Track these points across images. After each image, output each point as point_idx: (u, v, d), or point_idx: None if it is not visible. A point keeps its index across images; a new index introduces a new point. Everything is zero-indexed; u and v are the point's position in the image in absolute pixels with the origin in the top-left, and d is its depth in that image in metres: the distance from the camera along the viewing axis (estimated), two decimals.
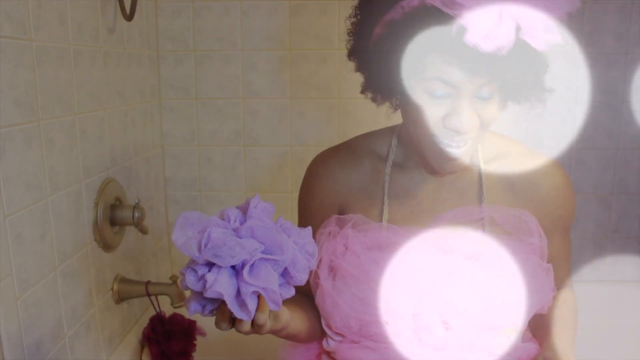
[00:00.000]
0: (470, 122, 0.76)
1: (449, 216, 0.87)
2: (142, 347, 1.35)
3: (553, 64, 1.66)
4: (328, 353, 0.94)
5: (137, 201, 1.25)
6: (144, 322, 1.37)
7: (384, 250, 0.85)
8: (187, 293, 1.00)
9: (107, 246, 1.20)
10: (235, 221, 0.64)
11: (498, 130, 0.93)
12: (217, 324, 0.66)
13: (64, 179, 1.03)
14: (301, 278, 0.64)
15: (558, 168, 0.91)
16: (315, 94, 1.62)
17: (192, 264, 0.63)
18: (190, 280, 0.62)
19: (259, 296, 0.63)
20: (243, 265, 0.61)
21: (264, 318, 0.64)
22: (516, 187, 0.89)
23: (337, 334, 0.89)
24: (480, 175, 0.90)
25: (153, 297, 1.28)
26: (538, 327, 0.93)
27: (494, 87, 0.75)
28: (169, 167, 1.69)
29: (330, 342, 0.91)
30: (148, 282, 1.27)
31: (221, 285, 0.60)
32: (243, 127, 1.65)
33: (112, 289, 1.26)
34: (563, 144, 1.64)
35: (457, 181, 0.90)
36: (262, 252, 0.62)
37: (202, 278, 0.61)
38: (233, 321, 0.66)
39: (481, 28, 0.68)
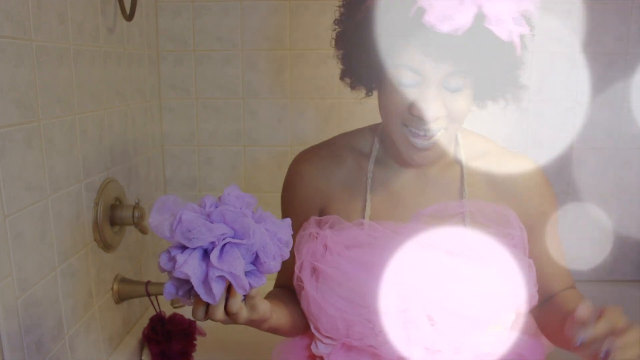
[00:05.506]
0: (435, 110, 0.76)
1: (428, 212, 0.87)
2: (142, 347, 1.35)
3: (553, 64, 1.66)
4: None
5: (137, 201, 1.25)
6: (144, 322, 1.37)
7: (364, 248, 0.85)
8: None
9: (107, 246, 1.20)
10: (210, 207, 0.66)
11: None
12: (193, 313, 0.68)
13: (64, 179, 1.03)
14: (271, 265, 0.65)
15: (534, 165, 0.92)
16: (315, 94, 1.62)
17: (169, 247, 0.66)
18: (162, 260, 0.64)
19: (230, 284, 0.64)
20: (213, 249, 0.63)
21: (236, 305, 0.66)
22: (497, 184, 0.90)
23: (326, 337, 0.89)
24: (462, 172, 0.90)
25: (153, 297, 1.28)
26: (555, 323, 0.90)
27: (464, 79, 0.76)
28: (169, 167, 1.69)
29: (320, 345, 0.91)
30: (148, 282, 1.27)
31: (189, 266, 0.62)
32: (243, 127, 1.65)
33: (112, 289, 1.26)
34: (563, 144, 1.64)
35: (440, 178, 0.91)
36: (232, 237, 0.63)
37: (173, 259, 0.63)
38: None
39: (438, 9, 0.69)
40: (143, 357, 1.34)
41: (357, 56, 0.82)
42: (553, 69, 1.59)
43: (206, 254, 0.63)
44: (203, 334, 1.38)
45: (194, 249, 0.63)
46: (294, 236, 0.90)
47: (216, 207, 0.66)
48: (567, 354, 0.99)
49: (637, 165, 1.66)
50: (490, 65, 0.75)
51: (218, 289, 0.62)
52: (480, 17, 0.70)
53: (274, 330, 0.87)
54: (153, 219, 0.64)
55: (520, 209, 0.89)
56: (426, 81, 0.76)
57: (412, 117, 0.78)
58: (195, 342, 1.36)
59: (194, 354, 1.36)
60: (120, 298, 1.27)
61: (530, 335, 0.94)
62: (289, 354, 0.97)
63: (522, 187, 0.90)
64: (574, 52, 1.58)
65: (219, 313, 0.67)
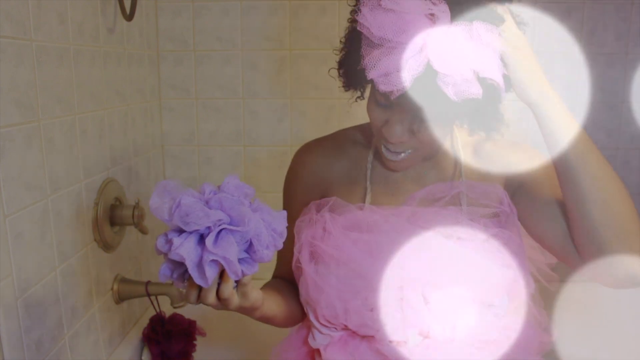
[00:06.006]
0: (399, 136, 0.81)
1: (420, 194, 0.90)
2: (142, 347, 1.35)
3: (553, 64, 1.66)
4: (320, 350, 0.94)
5: (137, 201, 1.25)
6: (144, 322, 1.37)
7: (362, 230, 0.87)
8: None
9: (107, 246, 1.20)
10: (209, 193, 0.68)
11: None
12: (186, 296, 0.70)
13: (64, 179, 1.03)
14: (264, 254, 0.67)
15: (522, 143, 0.95)
16: (315, 94, 1.62)
17: (166, 231, 0.68)
18: (159, 242, 0.66)
19: (223, 270, 0.66)
20: (209, 234, 0.64)
21: (227, 291, 0.69)
22: (487, 162, 0.93)
23: (324, 325, 0.90)
24: (458, 159, 0.93)
25: (153, 297, 1.28)
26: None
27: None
28: (169, 167, 1.69)
29: (317, 335, 0.91)
30: (148, 282, 1.27)
31: (184, 249, 0.63)
32: (243, 127, 1.65)
33: (112, 289, 1.26)
34: None
35: (437, 166, 0.94)
36: (228, 224, 0.65)
37: (169, 241, 0.65)
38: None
39: (380, 68, 0.71)
40: (143, 357, 1.34)
41: (348, 73, 0.88)
42: (553, 69, 1.59)
43: (202, 238, 0.65)
44: (203, 334, 1.38)
45: (191, 232, 0.64)
46: (294, 224, 0.93)
47: (215, 194, 0.67)
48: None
49: (637, 165, 1.66)
50: (452, 109, 0.75)
51: (211, 273, 0.64)
52: (432, 71, 0.70)
53: (266, 320, 0.89)
54: (153, 202, 0.66)
55: (514, 175, 0.90)
56: (395, 109, 0.80)
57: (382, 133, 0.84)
58: (195, 342, 1.36)
59: (194, 354, 1.36)
60: (120, 298, 1.27)
61: (528, 325, 0.93)
62: (287, 351, 0.98)
63: (510, 152, 0.92)
64: (574, 52, 1.58)
65: (211, 297, 0.70)
